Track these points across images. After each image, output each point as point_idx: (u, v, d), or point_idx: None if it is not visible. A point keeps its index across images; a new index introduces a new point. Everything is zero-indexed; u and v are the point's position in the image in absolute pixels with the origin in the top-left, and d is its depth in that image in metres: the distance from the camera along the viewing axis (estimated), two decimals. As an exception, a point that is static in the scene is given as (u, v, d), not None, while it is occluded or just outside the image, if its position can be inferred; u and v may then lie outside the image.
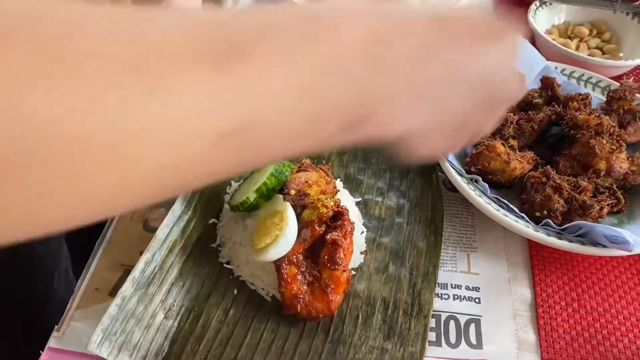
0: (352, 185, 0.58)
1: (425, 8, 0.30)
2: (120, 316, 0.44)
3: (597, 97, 0.67)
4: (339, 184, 0.54)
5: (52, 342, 0.44)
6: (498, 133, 0.58)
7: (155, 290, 0.47)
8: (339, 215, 0.45)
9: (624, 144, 0.56)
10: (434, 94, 0.29)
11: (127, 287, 0.46)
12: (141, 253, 0.48)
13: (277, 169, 0.48)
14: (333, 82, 0.24)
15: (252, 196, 0.47)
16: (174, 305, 0.46)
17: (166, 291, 0.47)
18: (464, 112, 0.32)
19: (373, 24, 0.27)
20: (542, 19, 0.81)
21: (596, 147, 0.55)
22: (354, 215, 0.52)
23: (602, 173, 0.55)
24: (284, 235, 0.44)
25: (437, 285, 0.50)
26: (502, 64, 0.33)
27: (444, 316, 0.48)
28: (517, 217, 0.52)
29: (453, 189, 0.59)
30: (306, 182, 0.47)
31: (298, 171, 0.50)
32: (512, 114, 0.59)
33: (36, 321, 0.68)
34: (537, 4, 0.81)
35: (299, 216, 0.46)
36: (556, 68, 0.69)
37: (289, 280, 0.44)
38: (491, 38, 0.32)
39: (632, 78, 0.64)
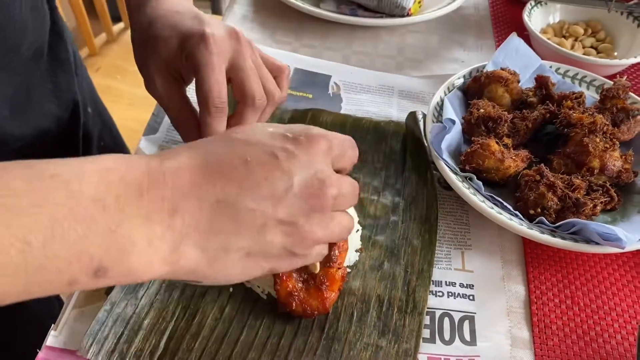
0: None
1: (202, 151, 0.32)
2: (109, 321, 0.45)
3: (591, 96, 0.67)
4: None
5: (49, 341, 0.45)
6: (493, 131, 0.58)
7: (144, 293, 0.47)
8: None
9: (617, 142, 0.57)
10: (196, 233, 0.30)
11: (115, 293, 0.47)
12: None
13: None
14: (68, 233, 0.27)
15: None
16: (170, 304, 0.47)
17: (158, 293, 0.47)
18: (251, 240, 0.32)
19: (133, 175, 0.29)
20: (537, 18, 0.81)
21: (590, 145, 0.55)
22: (350, 213, 0.52)
23: (596, 171, 0.55)
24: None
25: (431, 282, 0.51)
26: (296, 176, 0.32)
27: (438, 313, 0.49)
28: (511, 214, 0.53)
29: (448, 187, 0.59)
30: None
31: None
32: (506, 113, 0.59)
33: (9, 343, 0.64)
34: (532, 3, 0.81)
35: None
36: (551, 67, 0.70)
37: (285, 277, 0.44)
38: (274, 161, 0.32)
39: (626, 77, 0.64)
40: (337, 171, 0.37)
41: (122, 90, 1.47)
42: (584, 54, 0.76)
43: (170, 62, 0.47)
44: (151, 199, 0.29)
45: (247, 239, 0.31)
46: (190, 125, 0.49)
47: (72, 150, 0.69)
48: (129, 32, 1.74)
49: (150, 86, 0.49)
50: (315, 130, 0.35)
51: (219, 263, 0.31)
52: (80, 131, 0.69)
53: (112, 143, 0.84)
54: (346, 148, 0.37)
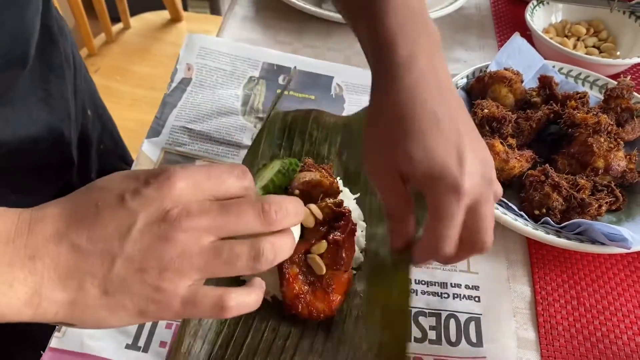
0: (352, 182, 0.58)
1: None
2: None
3: (595, 96, 0.67)
4: (339, 183, 0.54)
5: (53, 343, 0.45)
6: (497, 132, 0.58)
7: None
8: (341, 215, 0.45)
9: (621, 142, 0.57)
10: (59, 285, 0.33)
11: None
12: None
13: (284, 166, 0.47)
14: None
15: (258, 193, 0.47)
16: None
17: None
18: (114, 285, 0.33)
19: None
20: (540, 18, 0.81)
21: (594, 145, 0.55)
22: (355, 214, 0.52)
23: (601, 171, 0.55)
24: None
25: (436, 284, 0.50)
26: (147, 215, 0.33)
27: (444, 315, 0.49)
28: (516, 215, 0.52)
29: (452, 187, 0.59)
30: (310, 182, 0.47)
31: (301, 171, 0.50)
32: (510, 113, 0.59)
33: (13, 345, 0.62)
34: (535, 2, 0.81)
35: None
36: (554, 67, 0.70)
37: (291, 280, 0.44)
38: (120, 202, 0.34)
39: (629, 76, 0.64)
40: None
41: (121, 91, 1.46)
42: (586, 54, 0.76)
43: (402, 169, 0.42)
44: (16, 246, 0.32)
45: (99, 276, 0.33)
46: (406, 229, 0.44)
47: (65, 156, 0.68)
48: (128, 32, 1.72)
49: (369, 173, 0.45)
50: (175, 169, 0.35)
51: (80, 303, 0.33)
52: (76, 136, 0.68)
53: (113, 145, 0.83)
54: (222, 178, 0.36)
